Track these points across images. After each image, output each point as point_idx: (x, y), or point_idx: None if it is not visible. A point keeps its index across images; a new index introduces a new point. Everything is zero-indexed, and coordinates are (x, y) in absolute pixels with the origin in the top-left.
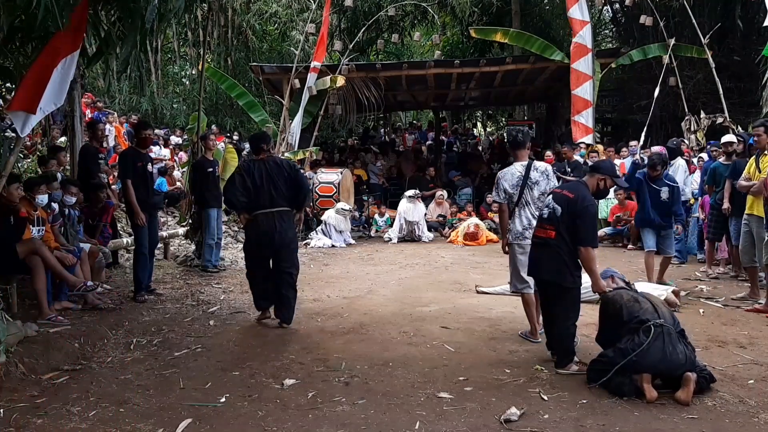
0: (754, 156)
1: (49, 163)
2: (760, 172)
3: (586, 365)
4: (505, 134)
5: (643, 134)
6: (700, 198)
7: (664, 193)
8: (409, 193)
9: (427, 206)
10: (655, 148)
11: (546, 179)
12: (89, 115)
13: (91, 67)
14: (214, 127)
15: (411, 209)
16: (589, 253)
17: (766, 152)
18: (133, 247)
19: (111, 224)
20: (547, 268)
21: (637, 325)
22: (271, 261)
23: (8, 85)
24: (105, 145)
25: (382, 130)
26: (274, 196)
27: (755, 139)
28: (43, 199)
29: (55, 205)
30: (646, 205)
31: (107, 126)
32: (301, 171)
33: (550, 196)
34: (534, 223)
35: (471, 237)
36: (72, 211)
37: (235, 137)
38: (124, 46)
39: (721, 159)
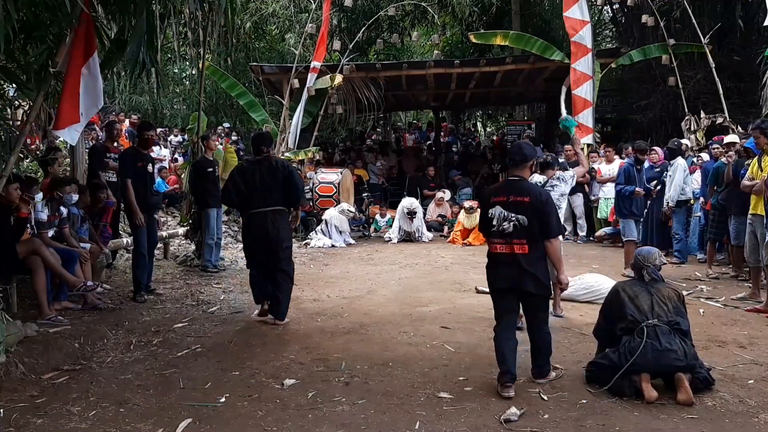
0: (756, 156)
1: (54, 165)
2: (762, 171)
3: (563, 369)
4: (504, 132)
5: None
6: (701, 198)
7: (649, 172)
8: (406, 209)
9: (427, 206)
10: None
11: (563, 182)
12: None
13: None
14: (219, 128)
15: (408, 222)
16: (557, 244)
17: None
18: (132, 248)
19: (112, 224)
20: (526, 279)
21: (631, 326)
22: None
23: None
24: (116, 144)
25: (379, 130)
26: (268, 196)
27: (754, 141)
28: (38, 197)
29: (64, 209)
30: (634, 196)
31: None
32: (296, 171)
33: (498, 208)
34: None
35: (466, 233)
36: (73, 210)
37: (234, 137)
38: (130, 44)
39: (723, 159)
